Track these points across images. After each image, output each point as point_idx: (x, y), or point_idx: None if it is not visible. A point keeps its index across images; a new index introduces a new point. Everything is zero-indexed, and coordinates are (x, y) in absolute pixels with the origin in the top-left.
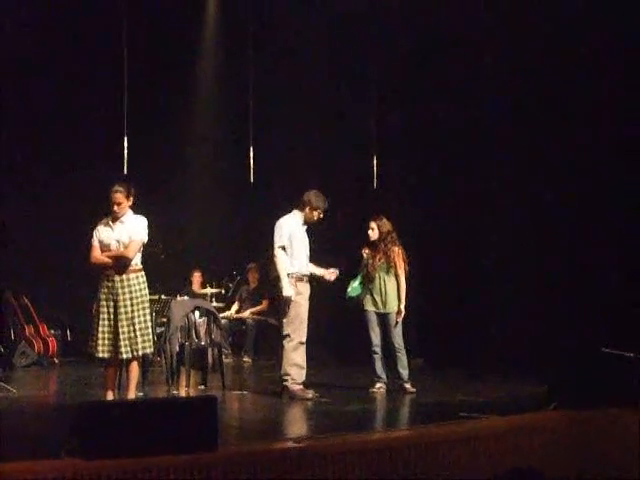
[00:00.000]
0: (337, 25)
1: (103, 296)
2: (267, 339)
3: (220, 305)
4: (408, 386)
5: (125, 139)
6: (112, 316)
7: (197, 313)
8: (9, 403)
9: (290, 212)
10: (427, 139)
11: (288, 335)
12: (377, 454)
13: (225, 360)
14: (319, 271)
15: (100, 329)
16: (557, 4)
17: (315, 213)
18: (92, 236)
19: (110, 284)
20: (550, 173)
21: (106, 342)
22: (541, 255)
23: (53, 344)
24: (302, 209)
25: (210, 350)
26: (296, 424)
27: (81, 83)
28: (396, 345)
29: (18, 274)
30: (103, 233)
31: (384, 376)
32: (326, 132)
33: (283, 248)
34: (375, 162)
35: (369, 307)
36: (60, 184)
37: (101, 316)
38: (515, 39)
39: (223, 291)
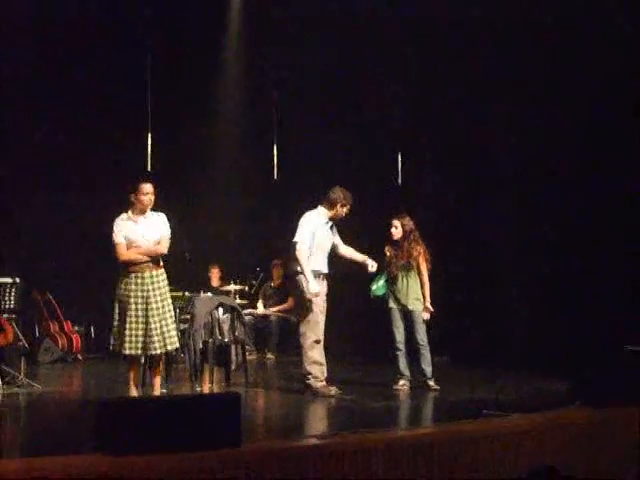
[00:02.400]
0: (362, 19)
1: (132, 293)
2: (290, 336)
3: (243, 302)
4: (432, 383)
5: (149, 136)
6: (143, 312)
7: (221, 310)
8: (34, 399)
9: (315, 208)
10: (452, 136)
11: (304, 333)
12: (401, 451)
13: (249, 357)
14: (360, 257)
15: (129, 326)
16: None
17: (344, 209)
18: (114, 233)
19: (140, 281)
20: (570, 172)
21: (133, 339)
22: (564, 252)
23: (77, 340)
24: (330, 206)
25: (234, 347)
26: (319, 421)
27: (105, 80)
28: (420, 342)
29: (42, 271)
30: (127, 229)
31: (408, 373)
32: (350, 128)
33: (302, 243)
34: (400, 158)
35: (392, 305)
36: (84, 182)
37: (130, 313)
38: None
39: (246, 288)
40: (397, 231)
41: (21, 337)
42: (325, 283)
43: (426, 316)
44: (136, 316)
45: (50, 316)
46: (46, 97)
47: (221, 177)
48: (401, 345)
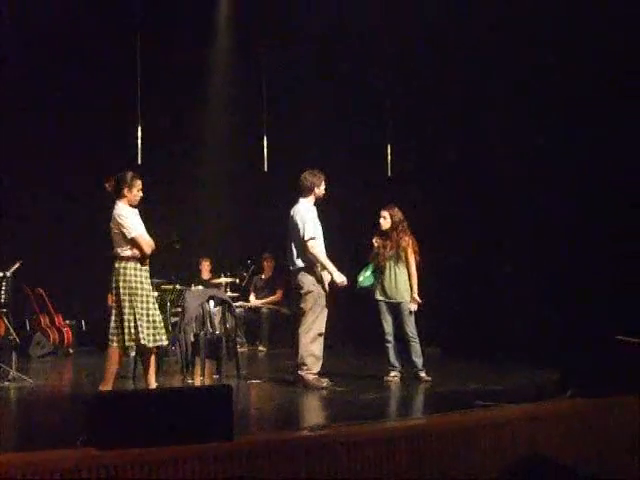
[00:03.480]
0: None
1: (147, 285)
2: (281, 328)
3: (234, 295)
4: (423, 374)
5: (139, 129)
6: (155, 305)
7: (212, 303)
8: (25, 393)
9: (298, 202)
10: (442, 128)
11: (308, 325)
12: (393, 442)
13: (240, 349)
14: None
15: (152, 318)
16: None
17: (322, 189)
18: (130, 224)
19: (147, 274)
20: (567, 160)
21: (159, 331)
22: (556, 242)
23: (68, 334)
24: (309, 193)
25: (225, 339)
26: (312, 413)
27: (95, 72)
28: (409, 334)
29: (33, 265)
30: (140, 221)
31: (398, 365)
32: (340, 120)
33: (313, 239)
34: (389, 150)
35: (380, 297)
36: (75, 175)
37: (149, 305)
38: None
39: (237, 280)
40: (385, 222)
41: (12, 331)
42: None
43: (413, 307)
44: (155, 308)
45: (41, 310)
46: (34, 92)
47: (211, 170)
48: (390, 337)
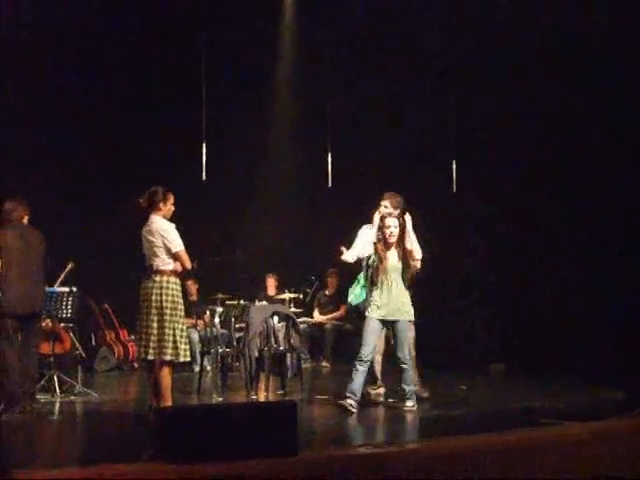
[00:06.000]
0: (416, 25)
1: (182, 301)
2: (345, 344)
3: (298, 310)
4: (409, 404)
5: (204, 145)
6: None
7: (276, 318)
8: (91, 407)
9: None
10: (506, 142)
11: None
12: (457, 459)
13: (304, 365)
14: None
15: (187, 333)
16: None
17: (377, 212)
18: (177, 239)
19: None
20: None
21: (184, 346)
22: (620, 260)
23: (133, 349)
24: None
25: (289, 355)
26: (375, 429)
27: (160, 86)
28: (402, 358)
29: (99, 280)
30: None
31: (359, 395)
32: (405, 135)
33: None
34: (455, 165)
35: (372, 314)
36: (141, 193)
37: (183, 320)
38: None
39: (301, 296)
40: (396, 230)
41: (78, 346)
42: None
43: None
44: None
45: (106, 325)
46: (102, 109)
47: (275, 185)
48: (365, 360)
